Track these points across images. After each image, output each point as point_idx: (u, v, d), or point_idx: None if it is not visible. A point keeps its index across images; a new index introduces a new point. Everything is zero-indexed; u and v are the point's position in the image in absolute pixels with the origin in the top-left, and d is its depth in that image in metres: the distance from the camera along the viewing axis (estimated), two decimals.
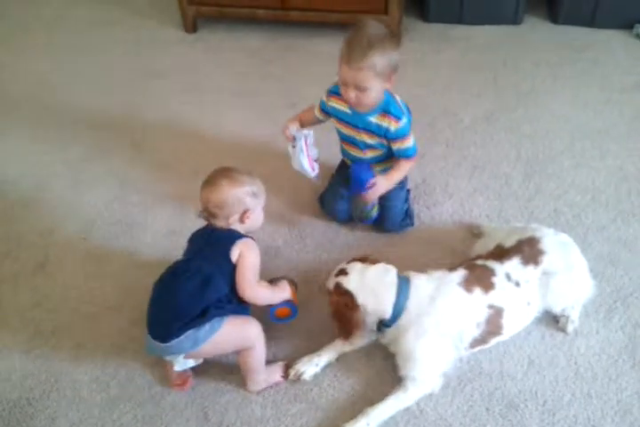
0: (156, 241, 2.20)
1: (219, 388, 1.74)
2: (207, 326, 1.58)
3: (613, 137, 2.61)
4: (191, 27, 3.33)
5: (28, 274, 2.09)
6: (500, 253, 1.82)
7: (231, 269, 1.67)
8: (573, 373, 1.76)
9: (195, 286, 1.61)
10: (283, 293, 1.77)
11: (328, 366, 1.78)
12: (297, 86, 2.94)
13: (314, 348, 1.81)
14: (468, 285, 1.72)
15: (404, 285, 1.71)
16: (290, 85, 2.96)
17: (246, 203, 1.73)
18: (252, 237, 1.75)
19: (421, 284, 1.72)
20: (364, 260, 1.78)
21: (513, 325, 1.77)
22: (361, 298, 1.69)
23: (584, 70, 3.01)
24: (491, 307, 1.71)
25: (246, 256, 1.68)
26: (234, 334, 1.63)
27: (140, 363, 1.80)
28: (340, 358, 1.79)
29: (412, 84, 2.93)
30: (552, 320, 1.88)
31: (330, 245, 2.17)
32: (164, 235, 2.22)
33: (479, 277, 1.74)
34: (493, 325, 1.72)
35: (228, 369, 1.78)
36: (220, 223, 1.74)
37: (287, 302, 1.77)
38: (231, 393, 1.73)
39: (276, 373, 1.75)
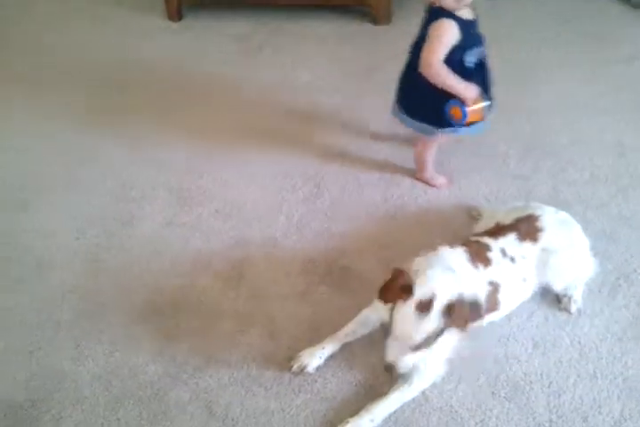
0: (153, 235, 2.17)
1: (222, 382, 1.73)
2: None
3: (609, 111, 2.57)
4: (175, 14, 3.26)
5: (25, 276, 2.06)
6: (497, 231, 1.79)
7: None
8: (578, 353, 1.75)
9: None
10: (466, 89, 1.85)
11: (331, 356, 1.76)
12: (289, 70, 2.89)
13: (316, 339, 1.78)
14: (473, 261, 1.66)
15: None
16: (281, 70, 2.91)
17: None
18: (452, 16, 1.82)
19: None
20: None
21: (509, 301, 1.74)
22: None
23: (576, 42, 2.96)
24: (490, 284, 1.67)
25: (433, 35, 1.84)
26: None
27: (141, 360, 1.79)
28: (344, 349, 1.77)
29: (404, 63, 2.87)
30: (555, 301, 1.86)
31: (326, 233, 2.14)
32: (161, 228, 2.19)
33: (477, 253, 1.69)
34: (491, 302, 1.68)
35: (229, 363, 1.77)
36: None
37: (464, 105, 1.82)
38: (234, 387, 1.72)
39: (439, 178, 2.21)
